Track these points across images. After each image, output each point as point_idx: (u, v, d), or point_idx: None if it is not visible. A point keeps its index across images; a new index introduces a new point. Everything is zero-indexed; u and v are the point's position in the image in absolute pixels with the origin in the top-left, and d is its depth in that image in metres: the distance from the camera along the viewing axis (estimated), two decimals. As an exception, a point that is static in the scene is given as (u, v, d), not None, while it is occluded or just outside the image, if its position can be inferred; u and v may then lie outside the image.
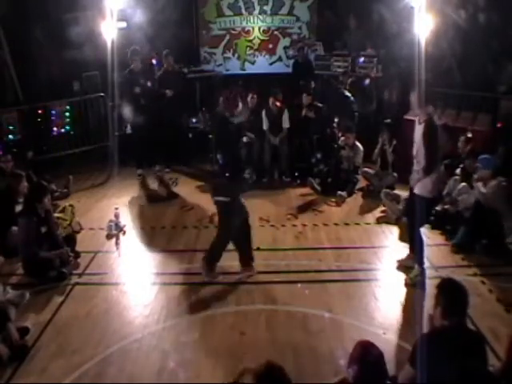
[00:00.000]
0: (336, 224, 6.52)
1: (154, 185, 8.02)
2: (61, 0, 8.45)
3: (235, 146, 5.06)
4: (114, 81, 7.86)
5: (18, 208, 5.73)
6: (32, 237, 5.13)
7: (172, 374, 3.87)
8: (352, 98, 8.36)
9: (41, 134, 8.52)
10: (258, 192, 7.55)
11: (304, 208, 7.06)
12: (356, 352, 2.66)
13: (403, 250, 5.52)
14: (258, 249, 5.77)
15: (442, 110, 7.81)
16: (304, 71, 9.45)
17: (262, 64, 10.96)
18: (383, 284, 5.11)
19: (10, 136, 8.07)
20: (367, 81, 9.08)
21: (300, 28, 10.81)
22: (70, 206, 6.72)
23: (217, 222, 5.39)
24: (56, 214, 6.18)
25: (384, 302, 4.78)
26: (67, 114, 8.80)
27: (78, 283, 5.18)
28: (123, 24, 8.58)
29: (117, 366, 3.95)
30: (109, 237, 6.20)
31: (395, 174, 7.26)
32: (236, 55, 10.94)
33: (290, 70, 10.25)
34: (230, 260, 5.34)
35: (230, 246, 5.23)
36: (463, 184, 6.18)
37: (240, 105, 4.95)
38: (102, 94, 8.76)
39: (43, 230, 5.24)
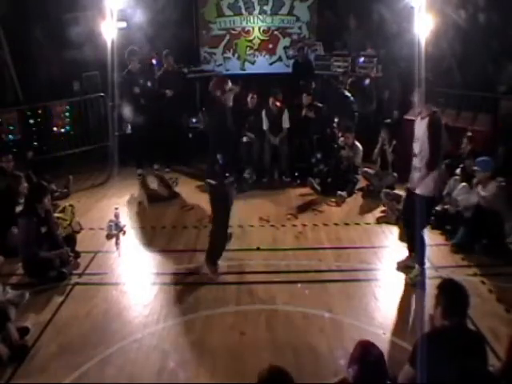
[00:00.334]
0: (336, 224, 6.52)
1: (153, 184, 8.02)
2: (61, 0, 8.45)
3: (224, 129, 5.03)
4: (113, 81, 7.86)
5: (19, 208, 5.74)
6: (32, 237, 5.13)
7: (172, 373, 3.87)
8: (352, 98, 8.35)
9: (41, 134, 8.52)
10: (257, 192, 7.57)
11: (304, 208, 7.06)
12: (356, 352, 2.66)
13: (403, 250, 5.51)
14: (258, 249, 5.79)
15: (442, 109, 7.80)
16: (304, 71, 9.45)
17: (262, 64, 10.96)
18: (383, 284, 5.11)
19: (10, 136, 8.08)
20: (367, 81, 9.08)
21: (300, 28, 10.80)
22: (70, 205, 6.72)
23: (210, 236, 5.37)
24: (56, 214, 6.19)
25: (384, 302, 4.78)
26: (67, 114, 8.79)
27: (78, 283, 5.18)
28: (123, 24, 8.58)
29: (117, 366, 3.95)
30: (109, 237, 6.20)
31: (395, 174, 7.25)
32: (236, 55, 10.94)
33: (290, 70, 10.25)
34: (229, 260, 5.35)
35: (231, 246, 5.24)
36: (463, 184, 6.18)
37: (229, 85, 4.99)
38: (102, 94, 8.76)
39: (43, 230, 5.24)
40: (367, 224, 6.53)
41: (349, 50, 9.73)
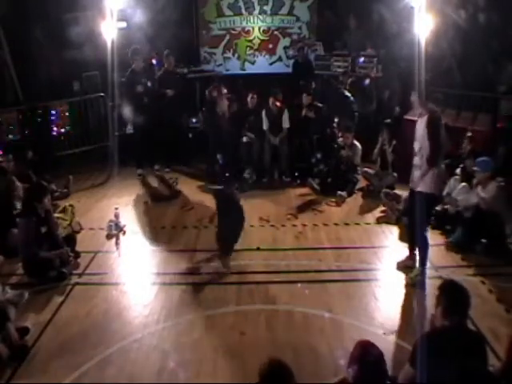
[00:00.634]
0: (336, 224, 6.52)
1: (154, 184, 8.03)
2: (61, 0, 8.45)
3: (224, 131, 5.18)
4: (113, 81, 7.86)
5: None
6: (32, 237, 5.13)
7: (172, 373, 3.87)
8: (352, 98, 8.35)
9: (41, 133, 8.52)
10: (258, 192, 7.56)
11: (304, 208, 7.06)
12: (356, 352, 2.66)
13: (403, 250, 5.51)
14: (258, 249, 5.79)
15: (442, 109, 7.80)
16: (304, 71, 9.44)
17: (262, 64, 10.95)
18: (383, 284, 5.11)
19: (10, 136, 8.07)
20: (367, 81, 9.08)
21: (300, 28, 10.80)
22: (70, 205, 6.73)
23: (217, 222, 5.51)
24: (56, 214, 6.20)
25: (384, 302, 4.78)
26: (67, 114, 8.79)
27: (78, 283, 5.18)
28: (123, 24, 8.58)
29: (117, 366, 3.95)
30: (109, 237, 6.19)
31: (395, 174, 7.26)
32: (236, 55, 10.94)
33: (290, 70, 10.25)
34: (229, 260, 5.36)
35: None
36: (463, 184, 6.18)
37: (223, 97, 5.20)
38: (102, 94, 8.76)
39: (43, 230, 5.24)
40: (367, 224, 6.53)
41: (349, 50, 9.73)
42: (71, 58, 8.10)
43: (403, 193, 6.48)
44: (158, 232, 6.37)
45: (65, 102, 8.74)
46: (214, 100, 5.17)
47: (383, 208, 6.83)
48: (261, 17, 10.71)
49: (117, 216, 6.33)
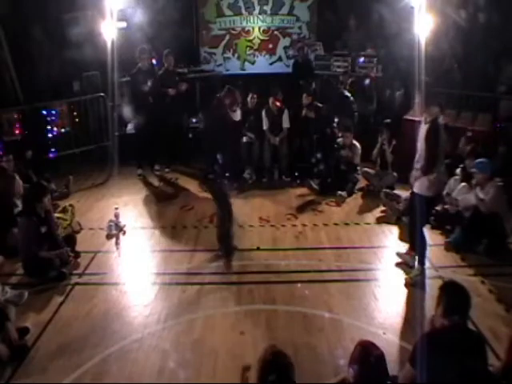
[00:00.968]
0: (336, 224, 6.52)
1: (155, 184, 8.04)
2: (61, 0, 8.45)
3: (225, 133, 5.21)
4: (114, 81, 7.85)
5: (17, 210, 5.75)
6: (32, 237, 5.13)
7: (172, 373, 3.87)
8: (352, 98, 8.35)
9: (41, 133, 8.52)
10: (257, 192, 7.57)
11: (304, 208, 7.06)
12: (356, 352, 2.66)
13: (403, 250, 5.53)
14: (258, 249, 5.79)
15: (442, 110, 7.80)
16: (304, 71, 9.44)
17: (261, 64, 10.96)
18: (383, 284, 5.11)
19: (10, 136, 8.05)
20: (367, 81, 9.08)
21: (300, 28, 10.81)
22: (70, 205, 6.73)
23: (216, 221, 5.58)
24: (56, 214, 6.19)
25: (384, 302, 4.78)
26: (67, 113, 8.78)
27: (77, 283, 5.18)
28: (123, 24, 8.57)
29: (117, 366, 3.95)
30: (109, 237, 6.19)
31: (395, 174, 7.26)
32: (236, 55, 10.94)
33: (290, 70, 10.23)
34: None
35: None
36: (463, 184, 6.18)
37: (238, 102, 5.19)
38: (102, 94, 8.76)
39: (43, 230, 5.24)
40: (367, 224, 6.53)
41: (349, 50, 9.73)
42: (71, 58, 8.08)
43: (403, 193, 6.50)
44: (157, 232, 6.37)
45: (65, 102, 8.74)
46: (223, 106, 5.08)
47: (383, 208, 6.83)
48: (261, 17, 10.72)
49: (117, 216, 6.33)
